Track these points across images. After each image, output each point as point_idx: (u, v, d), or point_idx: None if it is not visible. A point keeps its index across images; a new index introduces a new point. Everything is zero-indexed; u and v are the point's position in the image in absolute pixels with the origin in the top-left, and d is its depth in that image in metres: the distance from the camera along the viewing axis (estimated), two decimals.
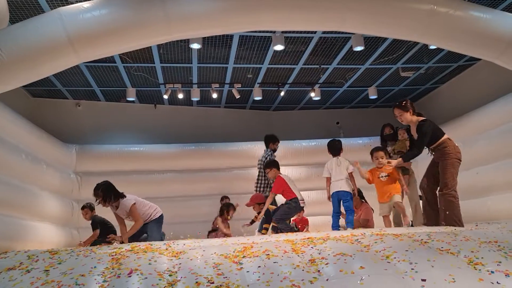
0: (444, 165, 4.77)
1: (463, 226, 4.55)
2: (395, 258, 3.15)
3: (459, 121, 7.52)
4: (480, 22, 4.96)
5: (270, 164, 6.00)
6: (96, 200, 5.14)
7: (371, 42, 6.79)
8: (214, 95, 8.38)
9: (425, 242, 3.53)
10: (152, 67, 7.41)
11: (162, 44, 5.94)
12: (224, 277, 3.01)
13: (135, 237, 5.14)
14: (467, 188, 6.31)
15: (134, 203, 5.16)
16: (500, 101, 6.62)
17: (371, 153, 5.45)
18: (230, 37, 6.38)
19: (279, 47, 6.34)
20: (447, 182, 4.70)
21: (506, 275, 2.85)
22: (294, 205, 5.49)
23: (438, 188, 4.86)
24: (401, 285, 2.82)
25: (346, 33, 6.20)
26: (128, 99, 8.43)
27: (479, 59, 6.89)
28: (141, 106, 9.25)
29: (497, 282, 2.78)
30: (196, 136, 8.86)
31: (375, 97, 9.01)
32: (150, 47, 6.47)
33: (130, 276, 3.00)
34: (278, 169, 5.90)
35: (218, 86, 8.30)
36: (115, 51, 4.66)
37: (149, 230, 5.28)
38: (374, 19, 4.89)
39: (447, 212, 4.62)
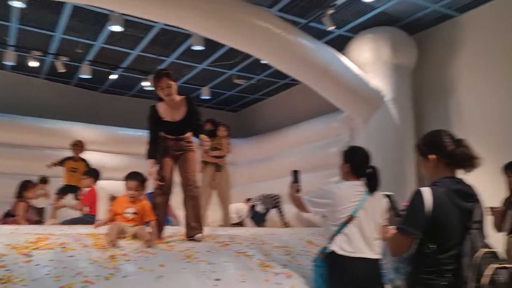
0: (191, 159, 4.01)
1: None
2: (196, 258, 3.25)
3: (277, 133, 8.30)
4: (306, 49, 5.54)
5: (89, 172, 5.65)
6: None
7: (212, 44, 6.95)
8: (33, 63, 7.44)
9: (227, 244, 3.74)
10: None
11: None
12: (6, 270, 2.68)
13: None
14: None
15: None
16: (312, 122, 7.55)
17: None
18: (61, 3, 5.76)
19: (116, 28, 5.99)
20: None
21: (287, 277, 3.21)
22: (89, 219, 5.12)
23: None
24: (197, 284, 2.93)
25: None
26: None
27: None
28: None
29: (279, 283, 3.12)
30: (3, 105, 7.75)
31: (208, 97, 9.25)
32: None
33: None
34: (96, 180, 5.59)
35: (40, 55, 7.41)
36: None
37: None
38: (215, 24, 5.04)
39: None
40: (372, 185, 2.95)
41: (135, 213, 3.67)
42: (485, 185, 4.29)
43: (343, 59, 5.88)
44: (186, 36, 6.70)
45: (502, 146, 5.25)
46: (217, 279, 2.97)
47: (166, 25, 6.24)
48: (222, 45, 6.99)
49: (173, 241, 3.74)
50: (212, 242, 3.72)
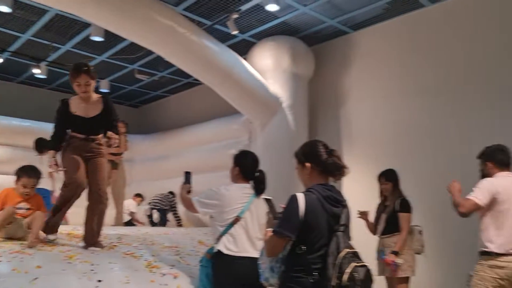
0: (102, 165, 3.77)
1: None
2: (78, 259, 3.12)
3: (177, 132, 8.24)
4: (209, 51, 5.59)
5: None
6: None
7: (113, 36, 6.67)
8: None
9: (114, 245, 3.65)
10: None
11: None
12: None
13: None
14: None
15: None
16: (212, 123, 7.63)
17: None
18: None
19: (3, 8, 5.49)
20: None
21: (174, 277, 3.23)
22: None
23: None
24: (76, 285, 2.81)
25: None
26: None
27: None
28: None
29: (165, 284, 3.12)
30: None
31: (106, 90, 8.85)
32: None
33: None
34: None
35: None
36: None
37: None
38: (117, 17, 4.87)
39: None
40: (259, 188, 3.10)
41: (29, 208, 3.59)
42: (367, 191, 4.75)
43: (245, 63, 6.03)
44: (85, 25, 6.36)
45: (382, 157, 5.77)
46: (99, 281, 2.89)
47: (61, 11, 5.87)
48: (124, 38, 6.77)
49: (55, 241, 3.54)
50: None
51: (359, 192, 5.52)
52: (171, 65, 7.78)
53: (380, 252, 4.26)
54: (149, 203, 7.16)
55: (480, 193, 3.04)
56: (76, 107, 3.67)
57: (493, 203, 3.03)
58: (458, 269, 4.32)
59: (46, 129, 6.76)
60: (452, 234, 5.06)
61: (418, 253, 4.28)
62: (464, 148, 3.36)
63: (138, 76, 8.29)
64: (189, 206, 3.17)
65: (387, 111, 6.13)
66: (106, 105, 3.75)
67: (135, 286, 2.97)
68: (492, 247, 2.97)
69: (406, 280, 4.13)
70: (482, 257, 3.03)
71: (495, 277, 2.91)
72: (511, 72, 4.96)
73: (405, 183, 4.70)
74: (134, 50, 7.23)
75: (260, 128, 6.43)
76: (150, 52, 7.23)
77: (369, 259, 4.25)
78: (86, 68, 3.65)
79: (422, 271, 5.03)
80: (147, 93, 9.65)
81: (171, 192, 7.14)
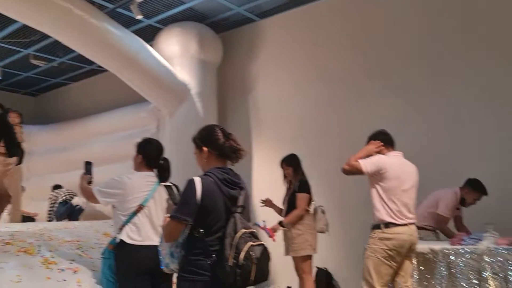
0: None
1: None
2: None
3: (80, 121, 7.79)
4: (111, 36, 5.34)
5: None
6: None
7: (1, 17, 6.09)
8: None
9: (8, 242, 3.38)
10: None
11: None
12: None
13: None
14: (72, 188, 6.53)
15: None
16: (119, 111, 7.33)
17: None
18: None
19: None
20: None
21: (74, 272, 3.08)
22: None
23: None
24: None
25: None
26: None
27: None
28: None
29: (64, 280, 2.97)
30: None
31: None
32: None
33: None
34: None
35: None
36: None
37: None
38: None
39: None
40: (164, 176, 3.06)
41: None
42: (277, 176, 4.89)
43: (151, 49, 5.86)
44: None
45: (290, 143, 5.98)
46: None
47: None
48: (15, 21, 6.21)
49: None
50: None
51: (270, 177, 5.68)
52: (72, 51, 7.30)
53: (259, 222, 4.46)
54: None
55: (369, 163, 3.27)
56: None
57: (379, 178, 3.27)
58: (358, 244, 4.66)
59: None
60: (353, 212, 5.43)
61: (322, 232, 4.49)
62: (366, 132, 3.59)
63: (34, 61, 7.66)
64: (90, 196, 3.07)
65: (293, 98, 6.35)
66: None
67: (28, 284, 2.79)
68: (380, 221, 3.23)
69: (308, 258, 4.35)
70: (373, 231, 3.29)
71: (384, 248, 3.18)
72: (413, 62, 5.35)
73: (311, 167, 4.93)
74: (28, 33, 6.67)
75: (168, 116, 6.32)
76: (46, 36, 6.73)
77: (278, 240, 4.45)
78: None
79: (326, 248, 5.34)
80: (45, 80, 8.98)
81: (57, 186, 6.78)
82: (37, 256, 3.19)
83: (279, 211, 4.65)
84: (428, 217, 4.30)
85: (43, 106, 9.60)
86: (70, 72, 8.55)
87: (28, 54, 7.50)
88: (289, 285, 5.87)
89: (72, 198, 6.64)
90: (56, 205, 6.62)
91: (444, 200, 4.27)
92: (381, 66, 5.60)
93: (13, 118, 5.71)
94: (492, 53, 4.84)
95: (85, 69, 8.35)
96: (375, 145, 3.41)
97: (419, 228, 3.53)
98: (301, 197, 4.36)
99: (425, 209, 4.30)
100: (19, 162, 4.64)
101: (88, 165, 3.24)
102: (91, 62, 7.84)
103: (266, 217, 4.59)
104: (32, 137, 7.54)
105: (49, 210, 6.66)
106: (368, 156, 3.35)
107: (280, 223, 4.37)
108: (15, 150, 4.10)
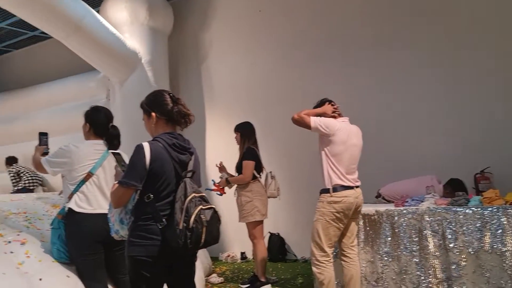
0: None
1: None
2: None
3: (24, 92, 7.42)
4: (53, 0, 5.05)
5: None
6: None
7: None
8: None
9: None
10: None
11: None
12: None
13: None
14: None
15: None
16: (66, 80, 7.03)
17: None
18: None
19: None
20: None
21: (21, 243, 3.00)
22: None
23: None
24: None
25: None
26: None
27: None
28: None
29: (11, 252, 2.89)
30: None
31: None
32: None
33: None
34: None
35: None
36: None
37: None
38: None
39: None
40: (113, 144, 3.01)
41: None
42: (230, 145, 4.92)
43: (97, 15, 5.61)
44: None
45: (243, 111, 6.01)
46: None
47: None
48: None
49: None
50: None
51: (223, 145, 5.70)
52: (11, 15, 6.89)
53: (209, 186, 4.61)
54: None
55: (318, 121, 3.32)
56: None
57: (327, 141, 3.36)
58: (308, 208, 4.82)
59: None
60: (303, 177, 5.58)
61: (274, 197, 4.58)
62: (319, 97, 3.65)
63: None
64: (39, 167, 3.04)
65: (247, 66, 6.34)
66: None
67: None
68: (329, 185, 3.35)
69: (258, 223, 4.46)
70: (321, 195, 3.41)
71: (332, 211, 3.31)
72: (368, 25, 5.45)
73: (264, 134, 4.99)
74: None
75: (118, 85, 6.14)
76: None
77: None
78: None
79: (278, 213, 5.49)
80: None
81: (11, 158, 6.56)
82: None
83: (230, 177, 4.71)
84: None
85: None
86: (11, 39, 8.06)
87: None
88: (242, 251, 6.03)
89: (35, 187, 6.46)
90: (19, 186, 6.41)
91: None
92: (335, 30, 5.67)
93: None
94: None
95: (28, 35, 7.89)
96: (332, 107, 3.48)
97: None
98: (245, 164, 4.43)
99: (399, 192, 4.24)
100: None
101: (43, 136, 3.22)
102: (34, 28, 7.45)
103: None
104: None
105: (13, 187, 6.47)
106: (321, 115, 3.41)
107: (227, 180, 4.49)
108: None
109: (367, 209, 3.76)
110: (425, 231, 3.49)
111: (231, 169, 4.67)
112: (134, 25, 6.13)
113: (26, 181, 6.51)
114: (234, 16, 6.50)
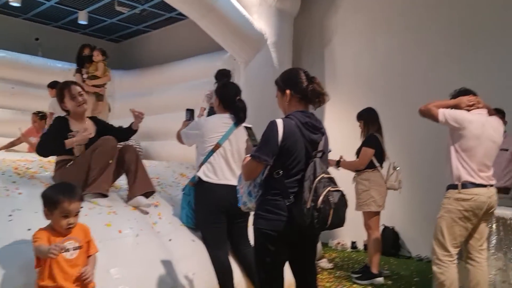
0: None
1: None
2: None
3: (159, 68, 8.07)
4: None
5: None
6: None
7: None
8: None
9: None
10: None
11: None
12: None
13: None
14: (149, 131, 6.90)
15: None
16: (195, 59, 7.49)
17: None
18: None
19: None
20: None
21: (155, 206, 3.26)
22: None
23: None
24: None
25: None
26: None
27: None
28: None
29: (147, 212, 3.18)
30: None
31: (85, 22, 8.53)
32: None
33: None
34: None
35: None
36: None
37: None
38: None
39: None
40: (239, 117, 3.13)
41: (79, 247, 2.24)
42: (351, 131, 4.81)
43: None
44: None
45: (366, 97, 5.80)
46: None
47: None
48: None
49: None
50: None
51: (344, 131, 5.59)
52: None
53: None
54: None
55: (448, 114, 3.06)
56: None
57: (457, 135, 3.08)
58: (428, 204, 4.52)
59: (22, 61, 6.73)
60: (427, 169, 5.23)
61: (394, 189, 4.32)
62: (448, 89, 3.37)
63: (118, 8, 7.96)
64: (179, 139, 3.35)
65: (373, 51, 6.09)
66: None
67: (119, 214, 3.00)
68: (457, 181, 3.07)
69: (374, 214, 4.29)
70: (448, 191, 3.15)
71: (460, 209, 3.04)
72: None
73: (389, 122, 4.75)
74: None
75: (243, 65, 6.34)
76: None
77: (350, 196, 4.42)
78: None
79: (396, 206, 5.24)
80: (128, 27, 9.33)
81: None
82: (120, 191, 3.42)
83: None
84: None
85: (125, 52, 10.02)
86: (151, 20, 8.79)
87: (113, 1, 7.78)
88: (353, 240, 5.91)
89: None
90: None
91: None
92: (472, 17, 5.17)
93: (96, 55, 6.05)
94: None
95: (165, 16, 8.54)
96: (469, 98, 3.17)
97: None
98: (364, 151, 4.26)
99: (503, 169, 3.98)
100: None
101: (189, 111, 3.57)
102: (171, 10, 8.01)
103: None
104: (115, 82, 7.93)
105: None
106: (455, 107, 3.13)
107: (338, 162, 4.29)
108: None
109: (503, 212, 3.40)
110: None
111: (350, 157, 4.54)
112: (262, 6, 6.23)
113: None
114: (358, 1, 6.27)
